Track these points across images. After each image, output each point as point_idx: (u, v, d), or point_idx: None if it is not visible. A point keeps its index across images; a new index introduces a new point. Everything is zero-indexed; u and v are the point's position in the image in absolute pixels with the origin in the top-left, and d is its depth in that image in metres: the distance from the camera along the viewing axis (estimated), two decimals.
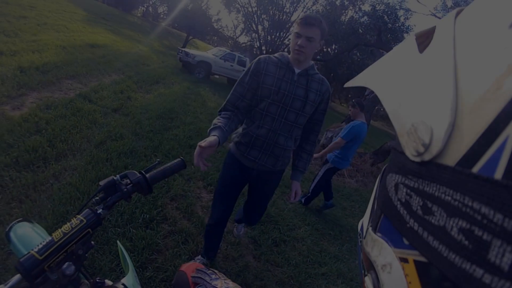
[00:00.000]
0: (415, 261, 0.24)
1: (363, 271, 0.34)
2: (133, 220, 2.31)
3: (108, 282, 0.80)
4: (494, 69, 0.19)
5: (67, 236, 0.65)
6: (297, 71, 1.62)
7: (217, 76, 13.38)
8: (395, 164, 0.29)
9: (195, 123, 5.33)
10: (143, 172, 0.80)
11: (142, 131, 4.10)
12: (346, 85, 0.43)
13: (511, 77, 0.18)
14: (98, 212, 0.71)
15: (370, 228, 0.33)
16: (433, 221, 0.21)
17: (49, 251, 0.62)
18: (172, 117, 5.21)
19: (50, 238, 0.64)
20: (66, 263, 0.67)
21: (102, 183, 0.74)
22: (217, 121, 1.55)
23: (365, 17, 13.98)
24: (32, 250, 0.61)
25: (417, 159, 0.24)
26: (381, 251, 0.28)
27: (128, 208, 2.40)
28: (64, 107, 3.82)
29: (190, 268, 0.85)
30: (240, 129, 1.76)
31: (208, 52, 13.27)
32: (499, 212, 0.16)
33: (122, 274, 0.87)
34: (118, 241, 1.03)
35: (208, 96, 8.70)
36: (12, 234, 0.98)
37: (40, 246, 0.62)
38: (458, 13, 0.27)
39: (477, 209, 0.18)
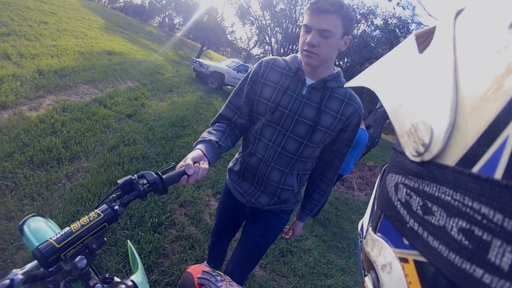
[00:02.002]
0: (415, 261, 0.23)
1: (363, 271, 0.34)
2: (142, 224, 2.33)
3: (117, 279, 0.82)
4: (494, 69, 0.19)
5: (84, 228, 0.67)
6: (309, 82, 1.15)
7: (229, 87, 13.51)
8: (395, 164, 0.29)
9: None
10: (160, 173, 0.82)
11: (154, 138, 4.15)
12: (345, 85, 0.43)
13: (511, 77, 0.18)
14: (115, 208, 0.73)
15: (370, 228, 0.33)
16: (433, 221, 0.21)
17: (66, 241, 0.64)
18: (184, 125, 5.27)
19: (68, 228, 0.66)
20: (79, 257, 0.69)
21: (120, 181, 0.77)
22: (207, 134, 1.16)
23: (377, 31, 13.95)
24: (51, 238, 0.63)
25: (417, 159, 0.24)
26: (381, 251, 0.28)
27: (137, 211, 2.42)
28: (79, 111, 3.90)
29: (197, 269, 0.86)
30: (236, 154, 1.43)
31: (222, 63, 13.45)
32: (499, 212, 0.16)
33: (129, 275, 0.89)
34: (128, 241, 1.05)
35: (220, 106, 8.72)
36: (25, 228, 1.02)
37: (59, 235, 0.64)
38: (458, 13, 0.27)
39: (477, 209, 0.18)
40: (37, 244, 0.84)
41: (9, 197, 2.06)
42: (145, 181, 0.81)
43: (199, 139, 1.12)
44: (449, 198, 0.20)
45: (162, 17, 43.59)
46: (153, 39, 22.44)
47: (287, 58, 1.22)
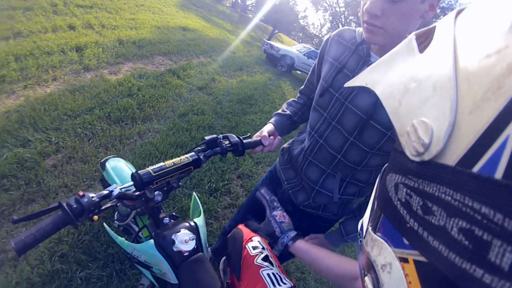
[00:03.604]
0: (415, 261, 0.23)
1: (363, 271, 0.33)
2: (200, 186, 2.52)
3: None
4: (494, 68, 0.19)
5: (175, 166, 0.78)
6: (374, 59, 0.84)
7: (299, 72, 13.15)
8: (395, 164, 0.28)
9: (272, 112, 5.30)
10: (241, 138, 0.94)
11: (222, 111, 4.32)
12: (346, 85, 0.42)
13: (511, 77, 0.17)
14: (201, 157, 0.84)
15: (370, 228, 0.32)
16: (433, 221, 0.21)
17: (160, 172, 0.76)
18: (251, 103, 5.35)
19: (163, 163, 0.77)
20: (157, 192, 0.81)
21: (207, 138, 0.89)
22: (286, 106, 1.18)
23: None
24: (148, 167, 0.75)
25: (417, 159, 0.24)
26: (381, 251, 0.28)
27: (197, 174, 2.61)
28: (154, 79, 4.20)
29: (246, 228, 0.93)
30: (295, 136, 1.23)
31: (293, 48, 13.08)
32: (499, 212, 0.16)
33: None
34: (194, 192, 1.15)
35: (289, 89, 8.63)
36: (107, 164, 1.21)
37: (155, 166, 0.76)
38: (458, 13, 0.26)
39: (477, 209, 0.18)
40: (117, 179, 1.03)
41: (87, 144, 2.37)
42: (227, 142, 0.92)
43: (278, 111, 1.18)
44: (449, 198, 0.20)
45: None
46: (226, 18, 22.60)
47: (361, 28, 0.89)
